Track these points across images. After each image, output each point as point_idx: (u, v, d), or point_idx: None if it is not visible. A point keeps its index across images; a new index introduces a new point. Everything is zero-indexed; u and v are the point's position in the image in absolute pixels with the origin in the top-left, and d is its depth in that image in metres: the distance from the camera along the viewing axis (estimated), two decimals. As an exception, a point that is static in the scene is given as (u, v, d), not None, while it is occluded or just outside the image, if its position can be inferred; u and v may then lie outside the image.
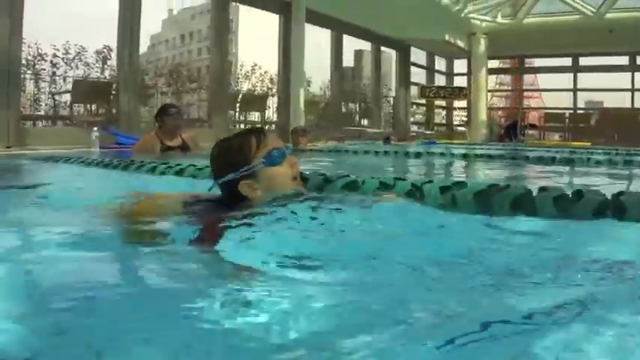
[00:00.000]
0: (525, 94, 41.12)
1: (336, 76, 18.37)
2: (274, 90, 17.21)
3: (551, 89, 26.08)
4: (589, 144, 17.39)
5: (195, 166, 4.37)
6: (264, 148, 2.54)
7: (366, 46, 21.08)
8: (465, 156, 9.78)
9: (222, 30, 14.43)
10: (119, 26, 11.86)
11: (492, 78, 30.67)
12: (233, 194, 2.53)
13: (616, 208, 2.45)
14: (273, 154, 2.54)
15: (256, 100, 16.88)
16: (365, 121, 20.51)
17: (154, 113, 7.68)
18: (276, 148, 2.56)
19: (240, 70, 19.59)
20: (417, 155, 10.15)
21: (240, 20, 65.39)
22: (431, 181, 3.00)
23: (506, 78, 40.22)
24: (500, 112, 25.20)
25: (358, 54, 25.99)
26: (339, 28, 17.72)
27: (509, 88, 42.32)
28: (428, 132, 21.58)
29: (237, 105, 16.10)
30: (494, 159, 9.20)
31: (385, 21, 17.93)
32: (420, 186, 2.92)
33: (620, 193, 2.51)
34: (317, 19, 16.17)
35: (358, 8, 16.72)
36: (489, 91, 23.64)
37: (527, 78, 41.11)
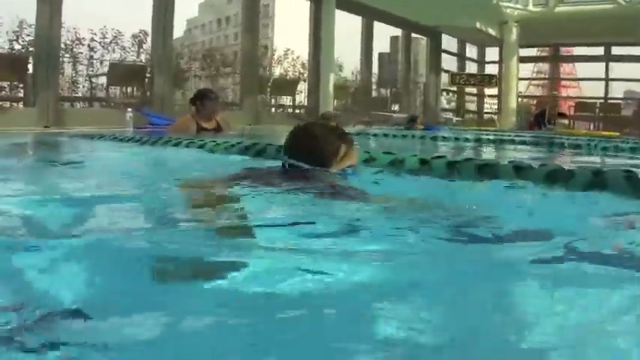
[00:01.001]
0: (563, 83, 40.98)
1: (366, 62, 18.65)
2: (306, 75, 17.57)
3: (586, 78, 26.17)
4: (617, 134, 17.57)
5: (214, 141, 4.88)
6: (346, 160, 2.75)
7: (399, 32, 21.24)
8: (478, 140, 10.15)
9: (252, 15, 14.88)
10: (154, 11, 12.39)
11: (530, 66, 30.72)
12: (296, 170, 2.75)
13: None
14: (347, 171, 2.76)
15: (287, 85, 17.27)
16: (395, 107, 20.77)
17: (191, 97, 8.18)
18: (352, 165, 2.80)
19: (273, 54, 19.98)
20: (434, 139, 10.52)
21: (276, 5, 65.80)
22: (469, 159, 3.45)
23: (544, 66, 40.07)
24: (531, 101, 25.18)
25: (394, 40, 26.23)
26: (369, 14, 18.02)
27: (546, 76, 42.32)
28: (457, 118, 21.81)
29: (269, 89, 16.54)
30: (503, 143, 9.64)
31: (416, 8, 18.12)
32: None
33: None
34: (348, 5, 16.54)
35: None
36: (525, 79, 23.71)
37: (566, 67, 40.95)
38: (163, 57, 12.61)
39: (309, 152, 2.73)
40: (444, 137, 10.96)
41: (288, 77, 18.07)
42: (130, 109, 10.03)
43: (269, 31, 61.63)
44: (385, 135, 10.78)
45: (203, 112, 7.63)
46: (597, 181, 2.89)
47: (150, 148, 5.56)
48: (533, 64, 33.29)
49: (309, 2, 16.15)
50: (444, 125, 17.67)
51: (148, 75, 13.18)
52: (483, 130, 15.50)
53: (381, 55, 22.57)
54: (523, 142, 9.49)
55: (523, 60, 22.73)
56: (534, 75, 36.73)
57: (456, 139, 10.40)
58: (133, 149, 5.86)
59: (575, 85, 37.65)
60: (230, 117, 12.86)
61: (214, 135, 7.20)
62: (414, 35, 21.43)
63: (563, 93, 35.94)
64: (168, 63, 12.97)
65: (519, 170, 3.16)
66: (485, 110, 23.99)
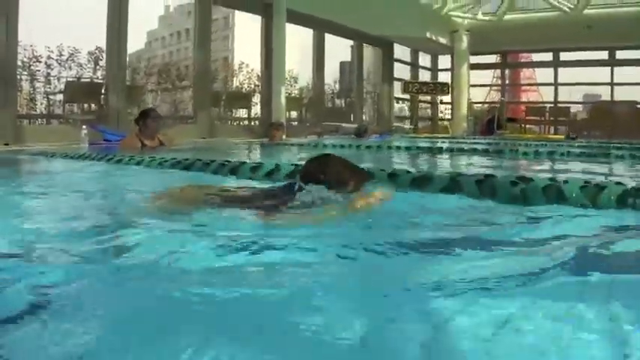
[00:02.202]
0: (524, 88, 41.95)
1: (317, 73, 19.30)
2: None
3: (538, 83, 27.17)
4: (562, 137, 18.46)
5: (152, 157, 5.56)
6: (353, 191, 2.97)
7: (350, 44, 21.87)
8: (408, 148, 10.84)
9: (205, 29, 15.37)
10: (108, 28, 12.91)
11: (490, 73, 31.53)
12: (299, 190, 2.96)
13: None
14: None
15: (241, 98, 17.84)
16: (349, 116, 21.37)
17: (135, 117, 8.90)
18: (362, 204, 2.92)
19: (232, 67, 20.54)
20: (380, 148, 11.12)
21: (236, 17, 66.17)
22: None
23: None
24: (483, 107, 26.00)
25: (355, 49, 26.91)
26: (320, 27, 18.63)
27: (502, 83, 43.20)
28: (409, 126, 22.52)
29: (223, 102, 17.13)
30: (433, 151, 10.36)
31: (366, 19, 18.75)
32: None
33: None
34: (298, 18, 17.08)
35: (339, 7, 17.56)
36: (476, 85, 24.44)
37: (526, 72, 41.95)
38: (118, 73, 13.17)
39: (316, 178, 2.93)
40: (389, 147, 11.40)
41: (242, 90, 18.62)
42: (84, 127, 10.62)
43: (229, 43, 62.18)
44: (335, 145, 11.29)
45: (145, 130, 8.38)
46: (453, 185, 3.60)
47: (97, 165, 6.18)
48: (493, 70, 34.05)
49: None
50: (395, 133, 18.36)
51: (103, 91, 13.72)
52: (432, 137, 16.29)
53: (342, 64, 23.29)
54: (461, 149, 10.19)
55: (474, 67, 23.46)
56: (494, 81, 37.49)
57: (398, 147, 11.02)
58: (82, 166, 6.45)
59: (534, 90, 38.55)
60: (184, 131, 13.57)
61: (156, 151, 7.86)
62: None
63: (524, 98, 37.00)
64: (123, 79, 13.53)
65: (391, 177, 3.85)
66: (441, 117, 24.68)
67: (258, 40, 16.98)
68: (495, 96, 40.77)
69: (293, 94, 20.34)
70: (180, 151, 7.68)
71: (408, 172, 3.91)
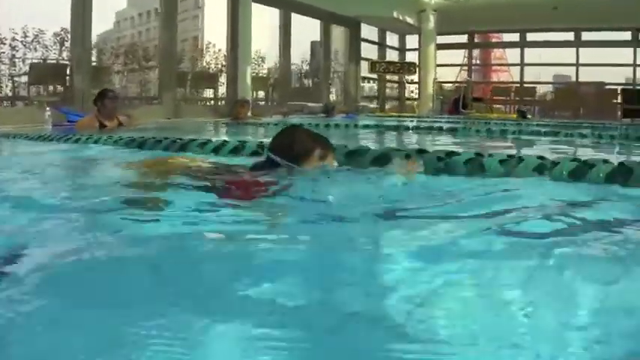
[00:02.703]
0: (494, 68, 42.27)
1: (284, 53, 19.43)
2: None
3: (507, 64, 27.59)
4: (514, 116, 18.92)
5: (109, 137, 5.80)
6: (319, 160, 3.15)
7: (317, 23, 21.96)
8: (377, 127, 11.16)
9: (170, 9, 15.44)
10: (72, 10, 13.01)
11: (461, 53, 31.84)
12: (274, 165, 3.14)
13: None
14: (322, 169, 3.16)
15: (208, 78, 17.99)
16: (317, 96, 21.57)
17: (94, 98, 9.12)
18: (325, 166, 3.17)
19: (201, 47, 20.65)
20: (347, 127, 11.44)
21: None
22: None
23: (474, 53, 41.19)
24: (453, 86, 26.29)
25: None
26: (287, 6, 18.76)
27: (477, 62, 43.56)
28: (375, 106, 22.78)
29: (188, 82, 17.28)
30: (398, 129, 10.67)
31: None
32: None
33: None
34: None
35: None
36: (443, 65, 24.64)
37: (497, 52, 42.24)
38: (83, 54, 13.30)
39: (283, 147, 3.13)
40: (355, 125, 11.72)
41: (209, 70, 18.75)
42: (48, 108, 10.80)
43: (199, 22, 61.90)
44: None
45: (104, 110, 8.61)
46: (384, 158, 3.89)
47: (57, 145, 6.39)
48: (464, 50, 34.32)
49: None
50: (362, 113, 18.60)
51: (68, 73, 13.85)
52: (396, 117, 16.58)
53: (313, 43, 23.42)
54: (417, 127, 10.55)
55: (441, 47, 23.69)
56: (465, 61, 37.78)
57: (356, 126, 11.31)
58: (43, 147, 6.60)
59: (505, 70, 38.85)
60: (149, 111, 13.74)
61: (114, 131, 8.06)
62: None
63: (495, 78, 37.34)
64: (88, 60, 13.66)
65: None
66: (409, 97, 24.91)
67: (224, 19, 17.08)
68: (466, 76, 41.24)
69: (260, 74, 20.52)
70: (139, 130, 7.85)
71: (345, 146, 4.16)
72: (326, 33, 21.55)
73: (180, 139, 5.03)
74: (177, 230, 2.26)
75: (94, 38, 15.09)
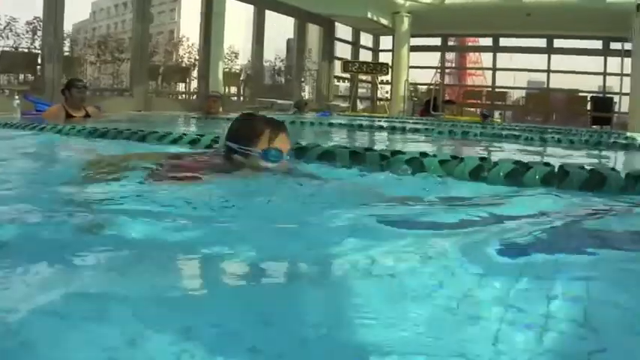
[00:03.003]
0: (469, 71, 42.60)
1: (257, 50, 19.52)
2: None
3: (479, 68, 27.94)
4: (498, 121, 19.25)
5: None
6: (270, 142, 3.00)
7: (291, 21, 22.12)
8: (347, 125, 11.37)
9: (143, 2, 15.51)
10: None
11: (435, 55, 32.16)
12: (229, 155, 3.08)
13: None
14: (270, 153, 3.00)
15: (180, 71, 18.15)
16: (289, 93, 21.73)
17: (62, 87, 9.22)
18: (276, 149, 3.01)
19: (169, 41, 20.80)
20: (321, 124, 11.65)
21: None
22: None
23: (450, 56, 41.57)
24: (424, 88, 26.56)
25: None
26: (261, 3, 18.86)
27: (453, 65, 43.97)
28: (346, 105, 22.98)
29: (160, 75, 17.40)
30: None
31: None
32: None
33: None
34: None
35: None
36: (415, 67, 24.87)
37: (472, 57, 42.60)
38: (54, 44, 13.33)
39: (235, 133, 3.07)
40: (321, 123, 11.90)
41: (182, 64, 18.91)
42: (17, 97, 10.89)
43: (175, 15, 61.74)
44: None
45: (71, 100, 8.70)
46: (330, 155, 4.09)
47: (23, 134, 6.52)
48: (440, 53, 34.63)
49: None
50: (331, 111, 18.79)
51: (39, 62, 13.92)
52: (364, 116, 16.78)
53: (289, 41, 23.58)
54: (381, 127, 10.79)
55: (414, 49, 23.91)
56: (439, 64, 38.16)
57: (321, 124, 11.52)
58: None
59: (480, 74, 39.20)
60: (120, 103, 13.85)
61: (80, 122, 8.18)
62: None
63: (469, 81, 37.73)
64: (60, 49, 13.71)
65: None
66: (381, 97, 25.13)
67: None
68: (439, 78, 41.58)
69: (234, 70, 20.70)
70: (105, 122, 7.97)
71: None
72: (300, 31, 21.66)
73: (142, 130, 5.18)
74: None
75: (69, 28, 15.17)
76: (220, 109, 12.94)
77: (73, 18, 62.47)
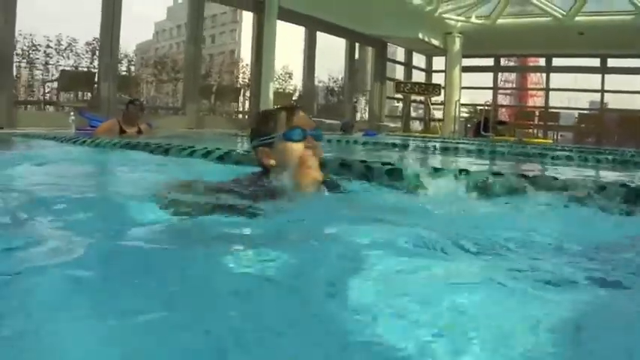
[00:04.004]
0: (531, 92, 42.35)
1: (308, 71, 20.14)
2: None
3: (525, 88, 28.00)
4: (550, 141, 19.39)
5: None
6: (289, 123, 2.81)
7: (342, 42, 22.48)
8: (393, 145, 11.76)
9: (196, 25, 16.28)
10: (102, 19, 13.82)
11: (488, 75, 32.30)
12: (257, 161, 2.91)
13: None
14: (293, 132, 2.80)
15: (231, 91, 18.74)
16: (341, 113, 22.13)
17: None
18: (299, 126, 2.81)
19: (224, 62, 21.45)
20: (366, 144, 12.06)
21: (244, 13, 66.70)
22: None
23: (511, 76, 41.55)
24: (476, 109, 26.68)
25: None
26: (312, 25, 19.40)
27: (513, 86, 43.94)
28: (395, 125, 23.27)
29: (213, 95, 18.02)
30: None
31: (359, 18, 19.42)
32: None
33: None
34: (290, 16, 17.83)
35: (332, 6, 18.25)
36: (468, 88, 25.08)
37: (533, 77, 42.42)
38: (110, 64, 14.10)
39: (255, 131, 2.92)
40: (365, 143, 12.28)
41: (235, 84, 19.51)
42: (72, 113, 11.63)
43: (236, 36, 63.05)
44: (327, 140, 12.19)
45: (127, 116, 9.41)
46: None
47: (76, 148, 7.08)
48: (500, 74, 34.67)
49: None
50: (383, 131, 19.14)
51: (96, 80, 14.65)
52: (412, 136, 17.13)
53: (342, 61, 24.05)
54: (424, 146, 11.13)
55: (466, 70, 24.13)
56: (502, 84, 38.12)
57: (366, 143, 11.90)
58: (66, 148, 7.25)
59: (541, 95, 39.02)
60: (173, 121, 14.50)
61: (132, 137, 8.77)
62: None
63: (530, 102, 37.63)
64: (114, 69, 14.46)
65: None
66: (436, 118, 25.34)
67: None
68: (503, 99, 41.53)
69: (287, 90, 21.28)
70: (152, 137, 8.48)
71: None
72: (351, 52, 22.19)
73: (169, 144, 5.63)
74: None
75: (132, 48, 15.84)
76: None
77: (137, 38, 64.28)
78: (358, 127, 17.50)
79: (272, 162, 2.81)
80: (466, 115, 25.81)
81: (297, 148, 2.81)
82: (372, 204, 3.11)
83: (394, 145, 11.48)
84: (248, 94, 18.87)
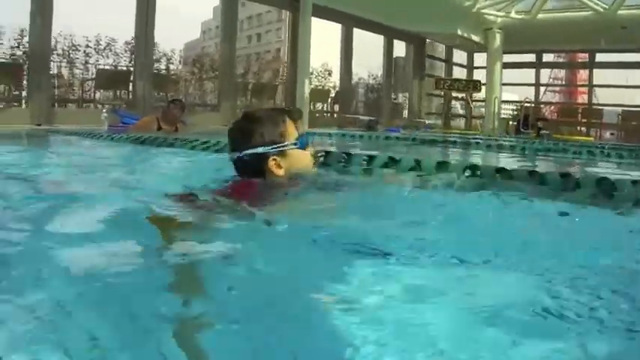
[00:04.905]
0: (580, 89, 41.77)
1: (345, 68, 20.33)
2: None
3: (571, 84, 27.77)
4: (591, 139, 19.26)
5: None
6: (297, 129, 2.71)
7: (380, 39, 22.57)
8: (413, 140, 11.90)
9: (230, 24, 16.66)
10: (136, 19, 14.29)
11: (547, 72, 32.03)
12: (253, 168, 2.64)
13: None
14: (304, 139, 2.73)
15: (267, 89, 19.01)
16: (380, 110, 22.36)
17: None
18: (305, 132, 2.75)
19: (261, 60, 21.73)
20: (387, 138, 12.26)
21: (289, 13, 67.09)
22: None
23: (561, 73, 41.10)
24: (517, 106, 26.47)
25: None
26: (348, 22, 19.55)
27: (562, 83, 43.54)
28: (430, 122, 23.24)
29: (249, 93, 18.35)
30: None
31: (395, 14, 19.26)
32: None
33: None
34: (325, 13, 18.05)
35: (367, 2, 18.23)
36: (509, 84, 24.93)
37: (583, 74, 41.92)
38: (145, 62, 14.52)
39: (257, 132, 2.65)
40: (387, 137, 12.48)
41: (273, 82, 19.79)
42: (104, 110, 12.03)
43: (282, 34, 63.27)
44: (345, 135, 12.51)
45: (166, 114, 9.75)
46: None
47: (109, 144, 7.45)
48: (550, 70, 34.45)
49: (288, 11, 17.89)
50: (408, 128, 19.15)
51: (131, 79, 15.07)
52: (449, 133, 17.16)
53: (396, 59, 24.17)
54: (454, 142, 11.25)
55: (507, 66, 23.94)
56: (550, 81, 37.80)
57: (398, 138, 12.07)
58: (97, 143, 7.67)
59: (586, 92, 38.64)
60: (208, 118, 14.85)
61: (169, 134, 9.08)
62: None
63: (580, 99, 37.22)
64: (150, 68, 14.88)
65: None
66: (474, 115, 25.30)
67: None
68: (551, 96, 41.15)
69: (327, 87, 21.51)
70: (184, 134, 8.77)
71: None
72: (389, 48, 22.31)
73: (193, 140, 5.88)
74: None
75: (180, 47, 16.17)
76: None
77: (185, 37, 65.17)
78: (396, 124, 17.63)
79: (281, 172, 2.64)
80: (512, 112, 25.66)
81: (309, 156, 2.79)
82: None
83: (433, 141, 11.49)
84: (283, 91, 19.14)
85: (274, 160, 2.62)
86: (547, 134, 17.50)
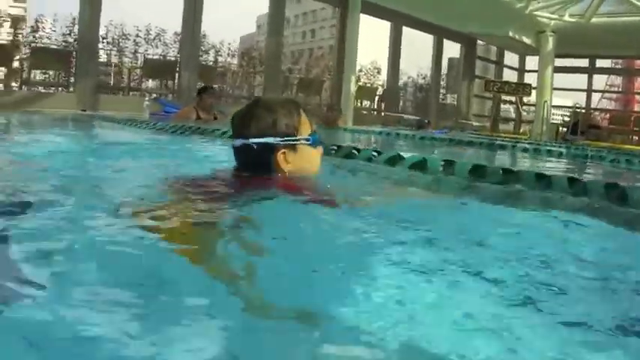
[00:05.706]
0: (638, 97, 40.84)
1: (392, 67, 20.36)
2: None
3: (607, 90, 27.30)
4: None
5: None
6: (310, 125, 2.58)
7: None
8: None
9: (277, 22, 16.77)
10: (184, 12, 14.48)
11: (603, 78, 31.65)
12: (259, 159, 2.49)
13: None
14: (318, 136, 2.62)
15: (313, 84, 19.09)
16: (427, 110, 22.23)
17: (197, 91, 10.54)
18: (316, 131, 2.61)
19: (311, 55, 21.87)
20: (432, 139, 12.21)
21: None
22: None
23: (618, 80, 40.47)
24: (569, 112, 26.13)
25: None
26: (398, 19, 19.55)
27: (619, 89, 42.92)
28: (477, 124, 23.10)
29: (295, 87, 18.47)
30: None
31: (445, 13, 19.12)
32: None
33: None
34: (374, 10, 18.04)
35: (420, 1, 18.18)
36: (559, 89, 24.62)
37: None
38: (191, 53, 14.72)
39: (269, 122, 2.48)
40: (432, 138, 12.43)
41: (321, 77, 19.91)
42: (147, 98, 12.27)
43: (335, 31, 63.50)
44: (389, 134, 12.47)
45: (201, 104, 9.94)
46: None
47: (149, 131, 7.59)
48: (607, 76, 33.91)
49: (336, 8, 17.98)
50: (454, 129, 19.05)
51: (177, 69, 15.28)
52: (493, 136, 17.03)
53: (450, 60, 24.13)
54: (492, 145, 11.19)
55: (557, 70, 23.63)
56: (607, 87, 37.30)
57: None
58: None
59: (643, 99, 38.03)
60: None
61: (207, 123, 9.24)
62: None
63: (637, 107, 36.54)
64: (196, 58, 15.08)
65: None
66: (523, 119, 25.05)
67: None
68: (607, 103, 40.60)
69: (375, 84, 21.56)
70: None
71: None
72: (439, 48, 22.20)
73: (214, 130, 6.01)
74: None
75: (230, 40, 16.39)
76: (338, 122, 13.54)
77: (241, 31, 65.77)
78: (443, 125, 17.58)
79: (290, 167, 2.49)
80: (562, 117, 25.35)
81: (317, 154, 2.66)
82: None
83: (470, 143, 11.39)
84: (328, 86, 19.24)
85: (284, 153, 2.47)
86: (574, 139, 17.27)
